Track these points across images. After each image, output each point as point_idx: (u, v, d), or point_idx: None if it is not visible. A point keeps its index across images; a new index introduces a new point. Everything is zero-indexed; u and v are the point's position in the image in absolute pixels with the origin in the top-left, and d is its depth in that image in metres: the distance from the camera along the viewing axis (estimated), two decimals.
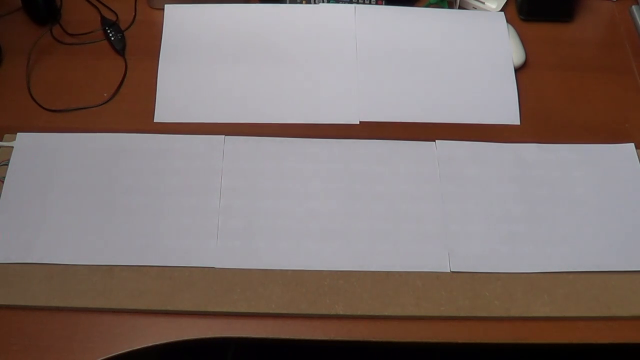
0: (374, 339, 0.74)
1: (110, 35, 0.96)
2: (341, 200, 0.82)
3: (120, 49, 0.96)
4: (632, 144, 0.89)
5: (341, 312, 0.74)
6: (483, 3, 1.02)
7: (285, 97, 0.92)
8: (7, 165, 0.83)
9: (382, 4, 1.00)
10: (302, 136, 0.87)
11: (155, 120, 0.89)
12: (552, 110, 0.93)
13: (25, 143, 0.85)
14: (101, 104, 0.91)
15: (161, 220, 0.79)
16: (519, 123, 0.91)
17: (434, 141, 0.87)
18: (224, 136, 0.86)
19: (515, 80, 0.94)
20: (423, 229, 0.80)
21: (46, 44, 0.96)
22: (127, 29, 0.99)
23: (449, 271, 0.77)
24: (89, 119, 0.89)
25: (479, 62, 0.96)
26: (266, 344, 0.74)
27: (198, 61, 0.94)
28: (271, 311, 0.74)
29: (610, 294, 0.76)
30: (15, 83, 0.92)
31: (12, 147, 0.84)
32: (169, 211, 0.80)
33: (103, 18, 0.99)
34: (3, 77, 0.93)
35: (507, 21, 1.00)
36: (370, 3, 1.00)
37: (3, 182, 0.82)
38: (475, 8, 1.03)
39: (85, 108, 0.90)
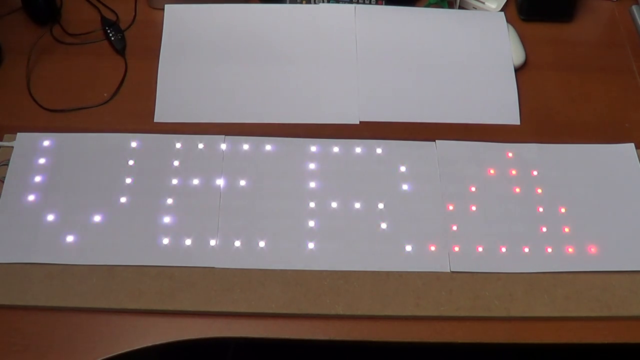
0: (374, 339, 0.74)
1: (110, 35, 0.96)
2: (341, 200, 0.82)
3: (120, 49, 0.96)
4: (632, 144, 0.89)
5: (341, 312, 0.74)
6: (483, 3, 1.02)
7: (285, 97, 0.92)
8: (7, 165, 0.83)
9: (382, 4, 1.00)
10: (302, 136, 0.87)
11: (155, 120, 0.89)
12: (552, 110, 0.93)
13: (25, 143, 0.85)
14: (101, 104, 0.91)
15: (161, 220, 0.80)
16: (519, 123, 0.91)
17: (434, 141, 0.87)
18: (224, 136, 0.86)
19: (515, 80, 0.94)
20: (423, 229, 0.80)
21: (46, 44, 0.96)
22: (127, 29, 0.99)
23: (449, 271, 0.77)
24: (89, 119, 0.89)
25: (479, 62, 0.96)
26: (266, 344, 0.74)
27: (198, 61, 0.94)
28: (271, 311, 0.74)
29: (610, 294, 0.76)
30: (15, 83, 0.92)
31: (12, 147, 0.84)
32: (169, 211, 0.80)
33: (103, 18, 0.99)
34: (3, 77, 0.93)
35: (507, 21, 1.00)
36: (370, 3, 1.00)
37: (3, 182, 0.82)
38: (475, 8, 1.03)
39: (85, 108, 0.90)
